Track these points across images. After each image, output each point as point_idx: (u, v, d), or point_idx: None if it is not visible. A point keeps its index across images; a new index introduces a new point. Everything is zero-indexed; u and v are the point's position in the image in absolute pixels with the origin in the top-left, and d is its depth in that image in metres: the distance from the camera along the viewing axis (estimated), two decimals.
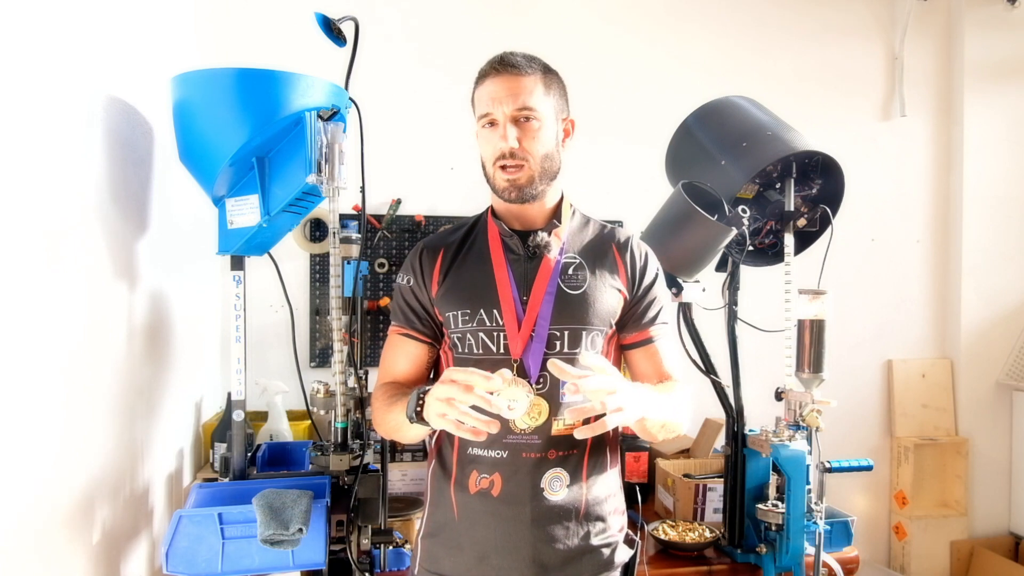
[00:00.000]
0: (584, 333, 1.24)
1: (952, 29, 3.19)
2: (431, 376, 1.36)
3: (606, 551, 1.26)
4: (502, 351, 1.22)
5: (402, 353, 1.33)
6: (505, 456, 1.21)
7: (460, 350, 1.26)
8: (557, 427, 1.21)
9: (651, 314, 1.31)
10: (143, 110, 1.63)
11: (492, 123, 1.22)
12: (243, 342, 1.59)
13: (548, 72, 1.26)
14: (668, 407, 1.22)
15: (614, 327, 1.29)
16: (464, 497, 1.24)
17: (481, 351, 1.24)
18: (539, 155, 1.23)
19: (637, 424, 1.17)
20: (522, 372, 1.20)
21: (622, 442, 2.20)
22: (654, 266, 1.34)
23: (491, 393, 1.02)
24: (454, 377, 1.02)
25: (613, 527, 1.28)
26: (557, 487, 1.21)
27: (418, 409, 1.09)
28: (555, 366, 1.03)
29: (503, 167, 1.22)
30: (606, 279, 1.28)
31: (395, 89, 2.70)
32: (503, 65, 1.21)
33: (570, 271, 1.26)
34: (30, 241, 1.10)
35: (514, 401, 1.15)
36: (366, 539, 1.52)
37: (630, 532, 1.33)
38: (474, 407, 1.01)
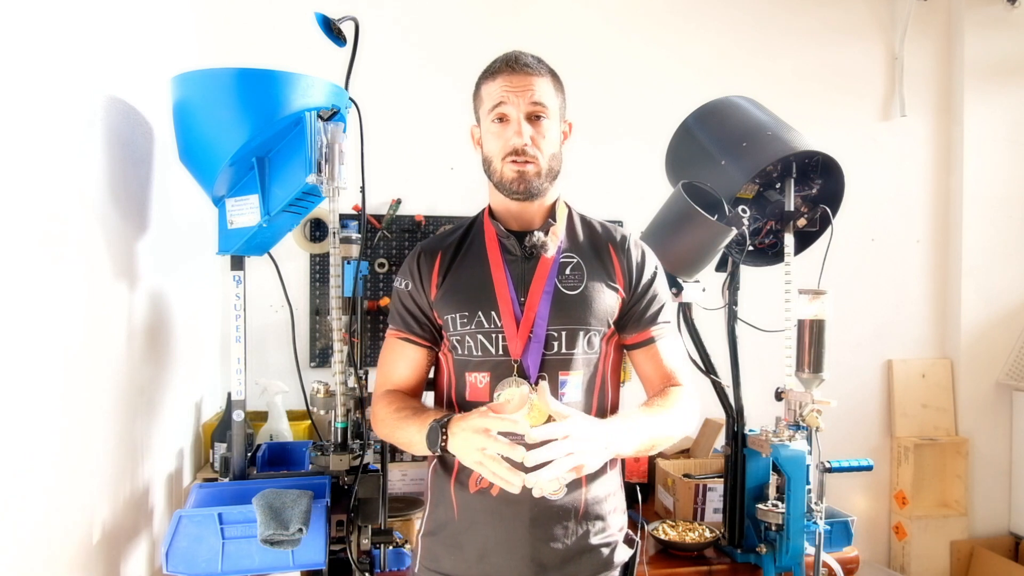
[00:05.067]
0: (580, 333, 1.24)
1: (952, 29, 3.19)
2: (441, 381, 1.36)
3: (605, 550, 1.26)
4: (501, 352, 1.22)
5: (401, 358, 1.33)
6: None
7: (459, 352, 1.26)
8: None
9: (650, 313, 1.30)
10: (143, 110, 1.63)
11: (502, 119, 1.23)
12: (243, 342, 1.59)
13: (554, 74, 1.28)
14: (653, 428, 1.20)
15: (612, 327, 1.29)
16: (464, 496, 1.24)
17: (480, 353, 1.24)
18: (548, 153, 1.24)
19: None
20: (522, 373, 1.20)
21: None
22: (652, 264, 1.33)
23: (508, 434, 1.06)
24: (487, 425, 1.06)
25: (612, 527, 1.28)
26: (556, 487, 1.21)
27: (442, 444, 1.12)
28: (542, 396, 1.08)
29: (513, 161, 1.22)
30: (603, 279, 1.27)
31: (395, 89, 2.70)
32: (518, 63, 1.22)
33: (567, 271, 1.26)
34: (30, 241, 1.10)
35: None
36: (366, 539, 1.52)
37: (630, 532, 1.33)
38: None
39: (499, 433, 1.06)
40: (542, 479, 1.02)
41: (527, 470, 1.03)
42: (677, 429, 1.25)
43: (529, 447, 1.02)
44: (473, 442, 1.06)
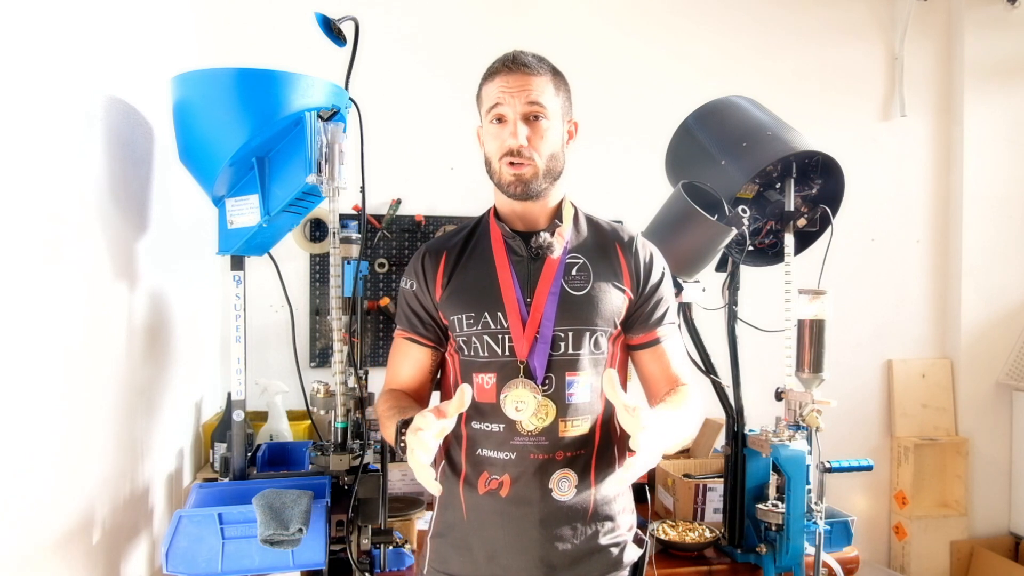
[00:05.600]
0: (587, 334, 1.23)
1: (952, 29, 3.19)
2: (447, 382, 1.36)
3: (615, 551, 1.25)
4: (507, 353, 1.22)
5: (406, 358, 1.33)
6: (513, 457, 1.21)
7: (466, 353, 1.26)
8: (564, 429, 1.21)
9: (657, 314, 1.30)
10: (143, 110, 1.63)
11: (500, 119, 1.22)
12: (243, 342, 1.59)
13: (556, 73, 1.26)
14: (682, 427, 1.20)
15: (619, 327, 1.28)
16: (473, 497, 1.24)
17: (487, 353, 1.24)
18: (546, 154, 1.23)
19: None
20: (528, 374, 1.20)
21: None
22: (660, 265, 1.33)
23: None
24: (419, 424, 1.02)
25: (622, 526, 1.28)
26: (565, 487, 1.21)
27: (402, 445, 1.10)
28: (610, 381, 1.05)
29: (510, 163, 1.22)
30: (610, 279, 1.27)
31: (395, 89, 2.70)
32: (515, 63, 1.21)
33: (573, 271, 1.26)
34: (30, 241, 1.10)
35: (521, 403, 1.16)
36: (366, 539, 1.52)
37: (639, 532, 1.33)
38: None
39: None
40: (638, 464, 1.00)
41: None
42: (694, 427, 1.26)
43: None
44: (409, 441, 1.04)
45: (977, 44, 3.13)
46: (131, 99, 1.57)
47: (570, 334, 1.22)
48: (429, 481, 1.02)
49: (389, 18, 2.69)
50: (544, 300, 1.22)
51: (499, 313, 1.23)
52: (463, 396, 1.04)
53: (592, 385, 1.24)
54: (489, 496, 1.22)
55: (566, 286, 1.24)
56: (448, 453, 1.30)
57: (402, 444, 1.09)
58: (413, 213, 2.70)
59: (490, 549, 1.22)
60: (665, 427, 1.08)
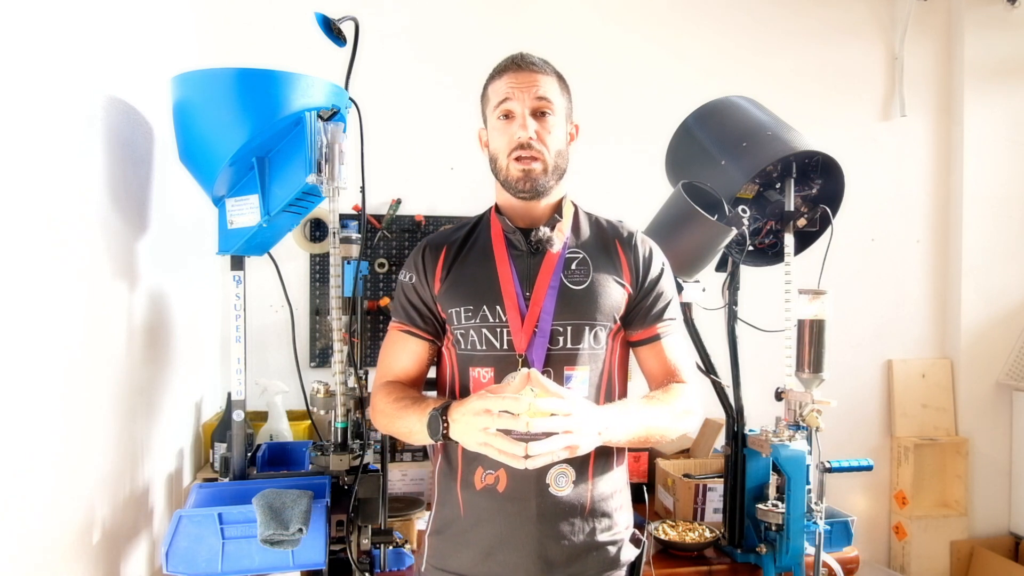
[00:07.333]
0: (587, 328, 1.24)
1: (952, 29, 3.19)
2: (443, 375, 1.36)
3: (612, 549, 1.25)
4: (505, 347, 1.22)
5: (403, 350, 1.33)
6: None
7: (463, 346, 1.27)
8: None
9: (656, 310, 1.30)
10: (143, 110, 1.63)
11: (507, 115, 1.24)
12: (243, 342, 1.60)
13: (560, 76, 1.30)
14: (648, 419, 1.21)
15: (619, 322, 1.29)
16: (470, 494, 1.24)
17: (484, 347, 1.24)
18: (553, 150, 1.25)
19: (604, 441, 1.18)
20: (526, 367, 1.20)
21: None
22: (659, 261, 1.33)
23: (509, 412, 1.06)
24: (487, 406, 1.06)
25: (619, 524, 1.28)
26: (563, 483, 1.21)
27: (444, 431, 1.13)
28: (536, 380, 1.09)
29: (518, 158, 1.23)
30: (610, 274, 1.28)
31: (395, 89, 2.70)
32: (523, 61, 1.25)
33: (573, 266, 1.27)
34: (30, 241, 1.10)
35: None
36: (366, 539, 1.52)
37: (636, 531, 1.33)
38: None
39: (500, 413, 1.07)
40: (537, 449, 1.04)
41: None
42: (674, 423, 1.25)
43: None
44: (475, 424, 1.07)
45: (977, 44, 3.13)
46: (131, 99, 1.57)
47: (569, 328, 1.23)
48: (517, 451, 1.04)
49: (389, 18, 2.69)
50: (543, 294, 1.23)
51: (498, 307, 1.23)
52: (524, 382, 1.08)
53: (590, 380, 1.24)
54: (486, 492, 1.22)
55: (565, 280, 1.25)
56: (445, 449, 1.30)
57: (445, 427, 1.13)
58: (413, 213, 2.70)
59: (488, 545, 1.22)
60: (605, 418, 1.13)
